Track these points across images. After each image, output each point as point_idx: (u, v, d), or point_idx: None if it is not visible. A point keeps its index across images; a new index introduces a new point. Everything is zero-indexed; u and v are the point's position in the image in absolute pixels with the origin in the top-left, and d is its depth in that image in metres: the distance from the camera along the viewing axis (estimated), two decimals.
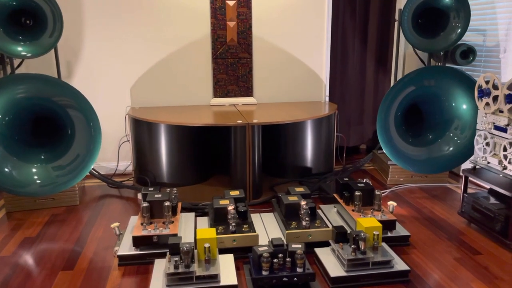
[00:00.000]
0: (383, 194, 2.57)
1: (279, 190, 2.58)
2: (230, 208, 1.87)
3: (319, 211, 2.21)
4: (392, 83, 3.33)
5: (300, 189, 2.14)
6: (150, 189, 2.07)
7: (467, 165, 2.75)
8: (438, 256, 1.85)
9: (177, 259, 1.58)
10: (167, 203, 1.87)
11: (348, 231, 1.74)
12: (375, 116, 3.38)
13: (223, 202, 1.97)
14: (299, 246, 1.64)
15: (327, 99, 3.13)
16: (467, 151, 2.54)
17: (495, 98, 1.95)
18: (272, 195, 2.49)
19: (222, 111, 2.73)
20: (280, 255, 1.62)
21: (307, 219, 1.87)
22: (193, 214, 2.16)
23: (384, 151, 2.52)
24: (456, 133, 2.59)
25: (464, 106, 2.53)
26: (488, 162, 2.01)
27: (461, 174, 2.19)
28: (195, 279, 1.56)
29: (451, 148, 2.58)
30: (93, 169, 2.62)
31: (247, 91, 2.98)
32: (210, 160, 2.86)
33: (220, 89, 2.95)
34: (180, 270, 1.55)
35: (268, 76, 3.02)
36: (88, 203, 2.48)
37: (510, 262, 1.79)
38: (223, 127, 2.68)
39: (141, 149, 2.64)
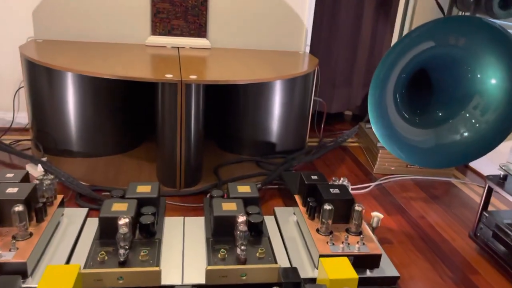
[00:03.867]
0: (366, 190, 1.89)
1: (226, 174, 1.88)
2: (122, 222, 1.16)
3: (271, 218, 1.53)
4: (395, 36, 2.56)
5: (244, 189, 1.44)
6: (8, 175, 1.33)
7: (489, 167, 2.07)
8: None
9: None
10: (18, 208, 1.15)
11: (301, 281, 1.07)
12: (369, 77, 2.63)
13: (116, 207, 1.26)
14: None
15: (308, 49, 2.35)
16: (487, 140, 1.84)
17: None
18: (213, 183, 1.79)
19: (159, 55, 1.94)
20: None
21: (243, 247, 1.18)
22: (85, 211, 1.45)
23: (375, 132, 1.81)
24: (475, 114, 1.88)
25: (493, 81, 1.80)
26: None
27: (485, 179, 1.52)
28: None
29: (466, 134, 1.88)
30: None
31: (199, 30, 2.18)
32: (138, 124, 2.12)
33: (161, 24, 2.14)
34: None
35: (230, 12, 2.20)
36: None
37: None
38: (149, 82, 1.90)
39: (38, 103, 1.87)
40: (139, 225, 1.25)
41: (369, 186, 1.92)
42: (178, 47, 2.16)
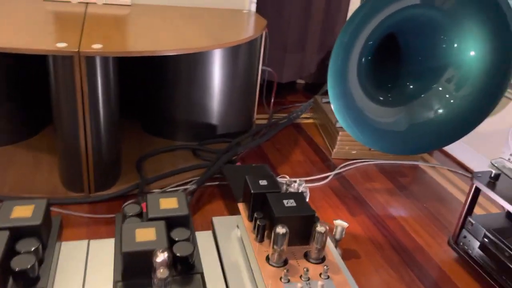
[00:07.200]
0: (325, 181, 1.58)
1: (154, 166, 1.49)
2: None
3: (208, 234, 1.18)
4: None
5: (169, 203, 1.06)
6: None
7: (459, 149, 1.82)
8: None
9: None
10: None
11: None
12: (324, 40, 2.28)
13: None
14: None
15: (254, 7, 1.94)
16: (464, 120, 1.58)
17: None
18: (137, 181, 1.40)
19: (59, 14, 1.47)
20: None
21: None
22: None
23: (336, 114, 1.48)
24: (449, 88, 1.60)
25: (472, 53, 1.51)
26: None
27: (471, 178, 1.27)
28: None
29: (440, 111, 1.60)
30: None
31: None
32: (37, 104, 1.65)
33: None
34: None
35: None
36: None
37: None
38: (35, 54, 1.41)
39: None
40: (11, 272, 0.86)
41: (327, 177, 1.61)
42: (86, 2, 1.67)
